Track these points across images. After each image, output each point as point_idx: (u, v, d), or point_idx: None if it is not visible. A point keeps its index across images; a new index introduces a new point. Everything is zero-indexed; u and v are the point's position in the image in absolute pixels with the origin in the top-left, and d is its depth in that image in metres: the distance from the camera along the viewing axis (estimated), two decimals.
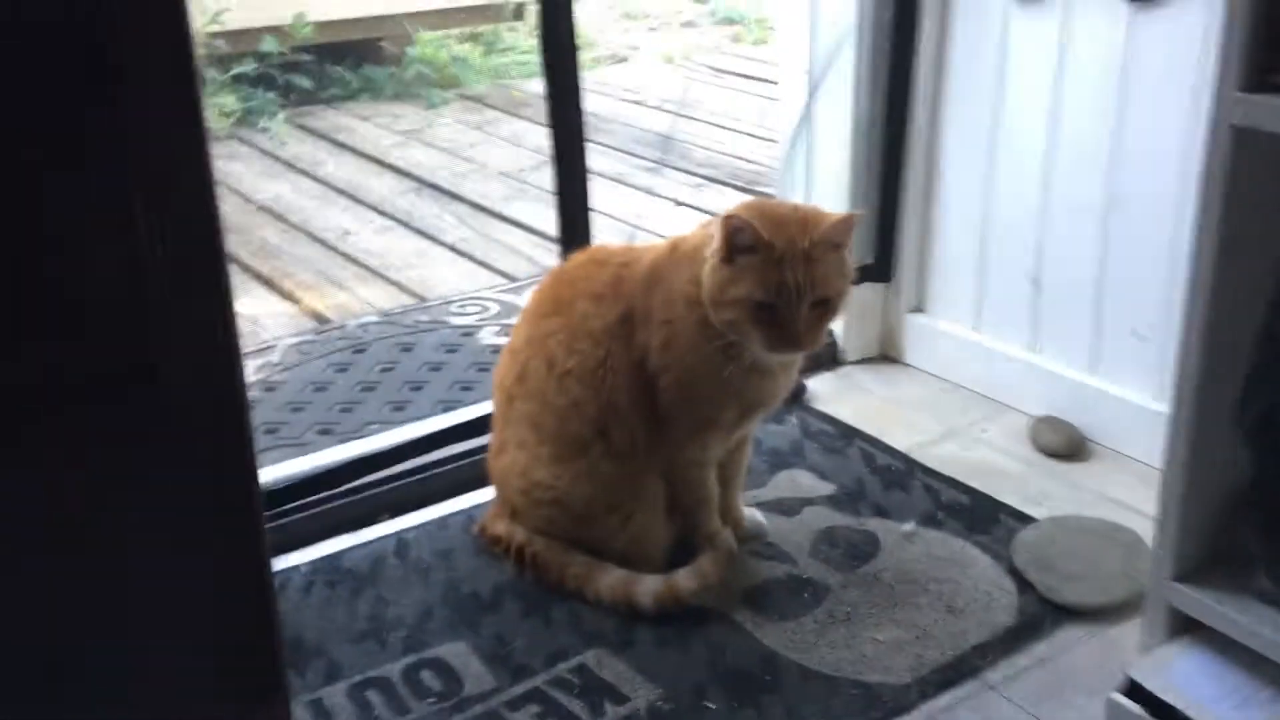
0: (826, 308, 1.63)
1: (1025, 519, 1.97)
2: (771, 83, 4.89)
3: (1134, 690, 1.48)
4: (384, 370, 2.65)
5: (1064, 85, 2.14)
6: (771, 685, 1.61)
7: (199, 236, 0.82)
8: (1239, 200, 1.40)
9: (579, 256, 1.87)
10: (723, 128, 4.79)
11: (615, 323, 1.74)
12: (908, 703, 1.58)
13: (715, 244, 1.63)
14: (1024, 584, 1.80)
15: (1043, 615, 1.75)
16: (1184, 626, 1.54)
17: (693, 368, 1.70)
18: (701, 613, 1.75)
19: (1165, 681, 1.47)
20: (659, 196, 4.01)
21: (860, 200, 2.41)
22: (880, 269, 2.50)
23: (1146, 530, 1.85)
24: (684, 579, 1.75)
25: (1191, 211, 1.95)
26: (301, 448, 2.29)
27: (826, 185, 2.46)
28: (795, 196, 2.49)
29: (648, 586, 1.74)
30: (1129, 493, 2.06)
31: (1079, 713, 1.57)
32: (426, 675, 1.65)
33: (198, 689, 0.92)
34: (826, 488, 2.08)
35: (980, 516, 1.99)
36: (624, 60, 6.08)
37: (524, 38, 6.04)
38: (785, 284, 1.58)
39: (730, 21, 6.70)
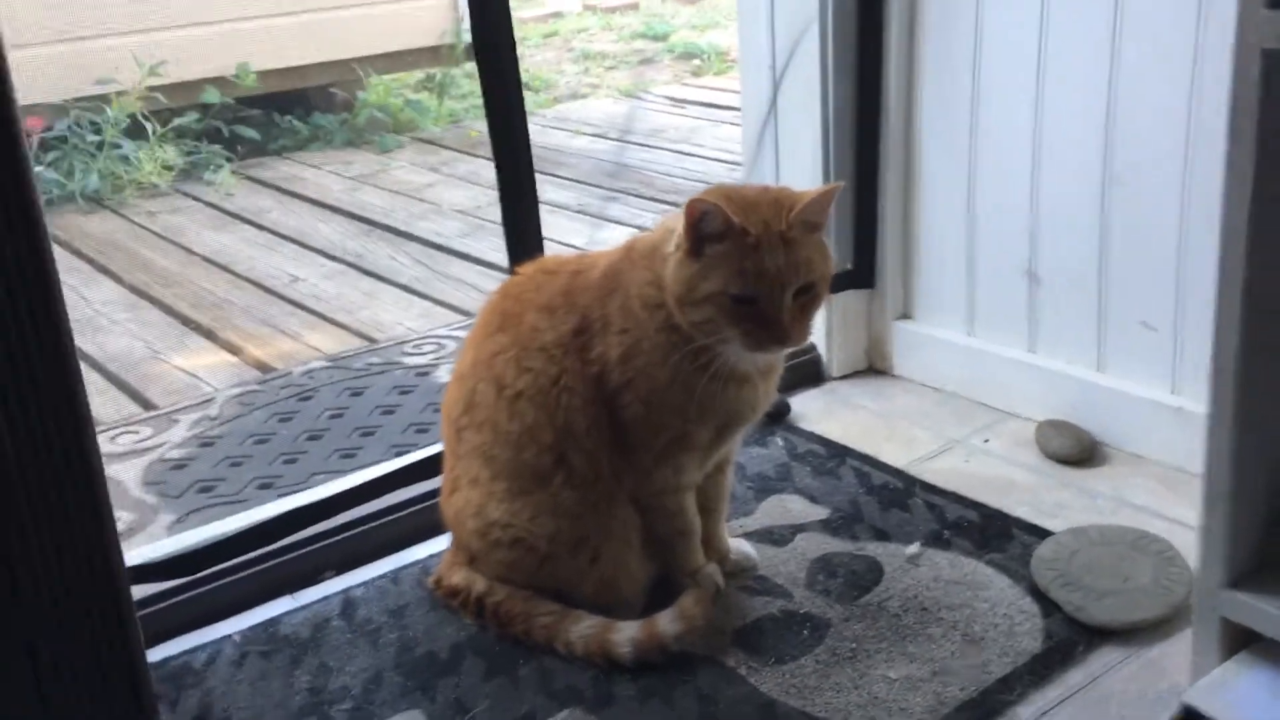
0: (812, 295, 1.45)
1: (1041, 533, 1.79)
2: (735, 109, 4.77)
3: (1192, 719, 1.28)
4: (332, 417, 2.45)
5: (1048, 55, 1.97)
6: None
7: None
8: (1277, 143, 1.21)
9: (528, 268, 1.69)
10: (684, 154, 4.66)
11: (569, 335, 1.55)
12: None
13: (678, 237, 1.44)
14: (1048, 605, 1.62)
15: (1073, 638, 1.56)
16: (1240, 640, 1.35)
17: (657, 380, 1.50)
18: (688, 660, 1.55)
19: (1226, 705, 1.28)
20: (621, 224, 3.85)
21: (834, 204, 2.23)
22: (862, 275, 2.32)
23: (1175, 535, 1.72)
24: (666, 623, 1.55)
25: (1198, 182, 1.81)
26: (240, 505, 2.09)
27: (796, 186, 2.28)
28: None
29: (625, 634, 1.55)
30: (1150, 497, 1.89)
31: None
32: None
33: None
34: (819, 512, 1.89)
35: (991, 533, 1.80)
36: (583, 97, 5.96)
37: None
38: (765, 272, 1.39)
39: (689, 56, 6.62)
